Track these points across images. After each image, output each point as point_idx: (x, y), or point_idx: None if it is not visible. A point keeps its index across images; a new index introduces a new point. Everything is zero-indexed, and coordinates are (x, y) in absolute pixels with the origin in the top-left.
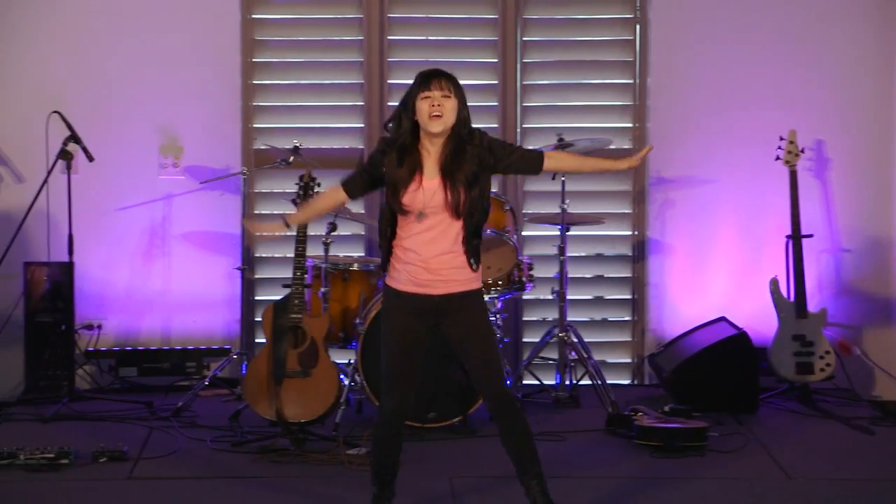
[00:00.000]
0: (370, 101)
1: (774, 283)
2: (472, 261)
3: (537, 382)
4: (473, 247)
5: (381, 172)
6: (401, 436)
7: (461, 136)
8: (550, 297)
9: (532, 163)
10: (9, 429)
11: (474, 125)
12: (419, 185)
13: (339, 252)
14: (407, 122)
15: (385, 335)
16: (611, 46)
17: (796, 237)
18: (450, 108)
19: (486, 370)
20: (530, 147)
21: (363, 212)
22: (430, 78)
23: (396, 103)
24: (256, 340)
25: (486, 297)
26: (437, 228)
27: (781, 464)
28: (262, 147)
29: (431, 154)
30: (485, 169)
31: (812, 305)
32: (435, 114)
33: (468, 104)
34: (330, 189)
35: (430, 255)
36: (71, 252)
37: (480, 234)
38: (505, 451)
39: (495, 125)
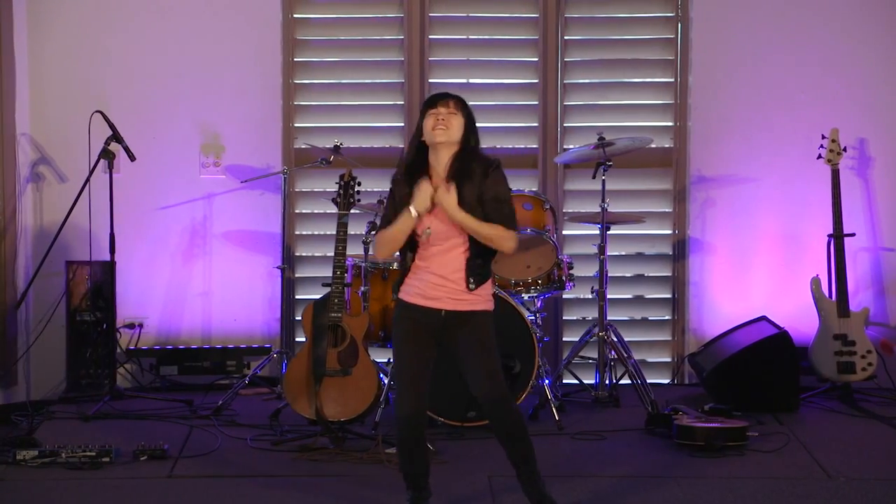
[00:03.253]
0: (411, 100)
1: (816, 282)
2: (469, 280)
3: (577, 381)
4: (476, 266)
5: (401, 203)
6: (423, 439)
7: (467, 155)
8: (590, 296)
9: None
10: (50, 427)
11: (516, 124)
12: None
13: None
14: (414, 150)
15: (395, 344)
16: (652, 45)
17: (838, 236)
18: (455, 123)
19: (485, 380)
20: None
21: None
22: (437, 98)
23: None
24: (296, 339)
25: (527, 296)
26: (444, 245)
27: (822, 464)
28: (303, 146)
29: (439, 174)
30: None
31: (854, 305)
32: (440, 127)
33: (504, 110)
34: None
35: (441, 272)
36: (112, 251)
37: (485, 255)
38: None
39: (535, 124)
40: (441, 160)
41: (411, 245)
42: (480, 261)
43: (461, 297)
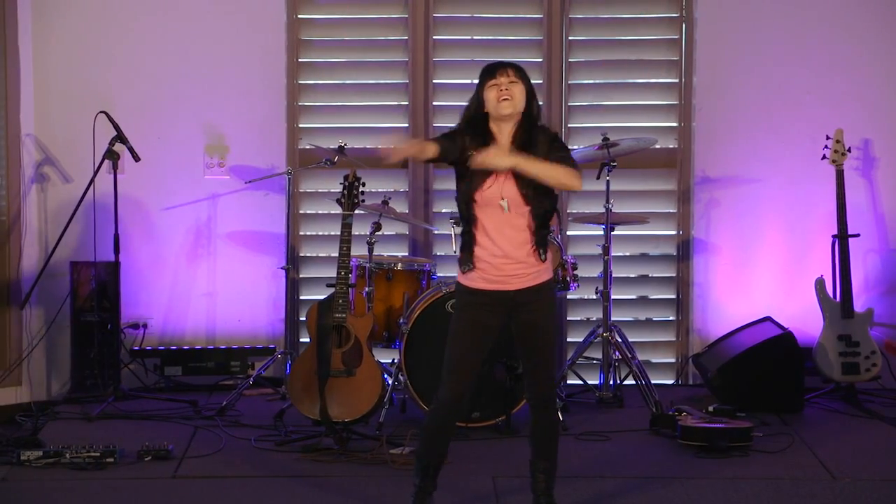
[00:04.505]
0: (415, 100)
1: (820, 283)
2: (540, 251)
3: (581, 382)
4: (542, 237)
5: (458, 150)
6: (452, 428)
7: (532, 123)
8: (595, 296)
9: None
10: (55, 427)
11: None
12: (495, 177)
13: (384, 251)
14: (476, 121)
15: (455, 328)
16: (656, 45)
17: (842, 236)
18: (518, 93)
19: (536, 369)
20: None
21: (407, 211)
22: (496, 67)
23: (441, 103)
24: (301, 340)
25: None
26: (510, 219)
27: (827, 464)
28: (307, 147)
29: (503, 145)
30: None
31: (858, 305)
32: (504, 98)
33: None
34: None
35: (506, 249)
36: (117, 251)
37: (548, 226)
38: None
39: (540, 124)
40: (504, 130)
41: (469, 217)
42: (545, 231)
43: (528, 271)
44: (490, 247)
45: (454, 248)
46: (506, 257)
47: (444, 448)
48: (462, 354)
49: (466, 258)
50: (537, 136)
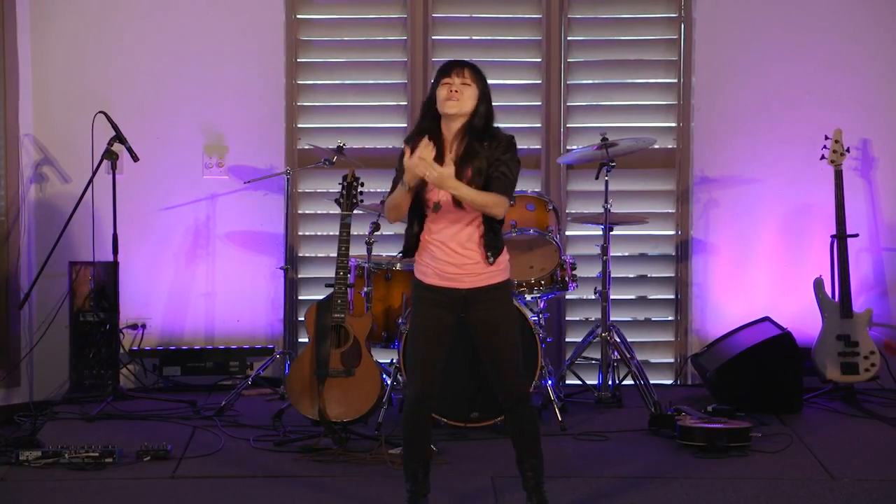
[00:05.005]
0: (414, 101)
1: (819, 283)
2: (488, 254)
3: (580, 382)
4: (490, 239)
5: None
6: (426, 425)
7: (477, 129)
8: (593, 296)
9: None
10: (54, 427)
11: (519, 125)
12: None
13: (382, 252)
14: (429, 118)
15: (411, 324)
16: (655, 45)
17: (841, 237)
18: (468, 95)
19: (501, 369)
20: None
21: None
22: (452, 66)
23: None
24: (299, 340)
25: (530, 297)
26: (458, 221)
27: (825, 464)
28: (306, 147)
29: (451, 147)
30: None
31: (857, 305)
32: (452, 98)
33: (507, 111)
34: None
35: (454, 247)
36: (116, 252)
37: (495, 230)
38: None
39: (539, 125)
40: (452, 130)
41: (420, 216)
42: (493, 233)
43: (479, 272)
44: (440, 245)
45: None
46: (451, 258)
47: (425, 447)
48: (421, 351)
49: (412, 248)
50: (482, 142)
